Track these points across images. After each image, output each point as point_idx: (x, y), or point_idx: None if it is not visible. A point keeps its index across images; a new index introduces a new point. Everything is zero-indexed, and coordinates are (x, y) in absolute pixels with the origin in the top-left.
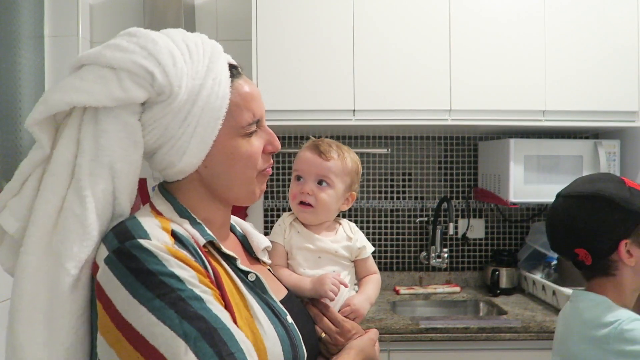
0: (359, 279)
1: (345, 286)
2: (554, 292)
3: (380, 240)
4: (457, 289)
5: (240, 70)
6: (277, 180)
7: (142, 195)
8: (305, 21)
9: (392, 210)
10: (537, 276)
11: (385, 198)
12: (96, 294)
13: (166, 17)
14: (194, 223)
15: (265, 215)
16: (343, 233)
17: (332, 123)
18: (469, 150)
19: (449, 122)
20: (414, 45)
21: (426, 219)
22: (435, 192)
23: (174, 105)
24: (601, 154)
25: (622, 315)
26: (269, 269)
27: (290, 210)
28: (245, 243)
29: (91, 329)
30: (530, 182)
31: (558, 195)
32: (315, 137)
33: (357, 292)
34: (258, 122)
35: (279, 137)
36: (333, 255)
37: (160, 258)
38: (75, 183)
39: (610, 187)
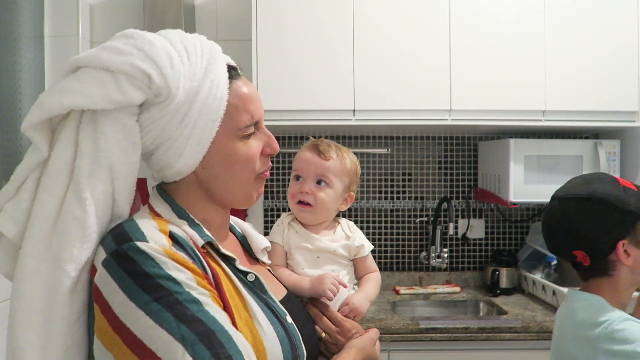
0: (359, 277)
1: (345, 286)
2: (554, 292)
3: (380, 240)
4: (457, 289)
5: (239, 71)
6: (277, 180)
7: (143, 195)
8: (305, 21)
9: (392, 210)
10: (537, 276)
11: (385, 198)
12: (94, 297)
13: (166, 17)
14: (192, 224)
15: (265, 216)
16: (341, 232)
17: (332, 123)
18: (469, 150)
19: (449, 122)
20: (414, 45)
21: (426, 219)
22: (435, 192)
23: (171, 106)
24: (601, 154)
25: (614, 316)
26: (268, 269)
27: (290, 210)
28: (244, 243)
29: (88, 331)
30: (530, 182)
31: (553, 197)
32: (315, 137)
33: (356, 291)
34: (256, 124)
35: (278, 137)
36: (331, 254)
37: (158, 261)
38: (74, 185)
39: (606, 188)
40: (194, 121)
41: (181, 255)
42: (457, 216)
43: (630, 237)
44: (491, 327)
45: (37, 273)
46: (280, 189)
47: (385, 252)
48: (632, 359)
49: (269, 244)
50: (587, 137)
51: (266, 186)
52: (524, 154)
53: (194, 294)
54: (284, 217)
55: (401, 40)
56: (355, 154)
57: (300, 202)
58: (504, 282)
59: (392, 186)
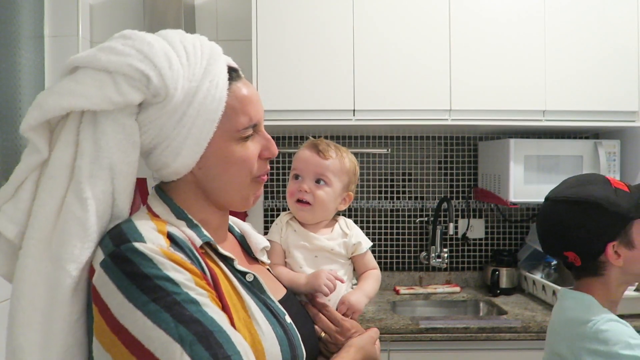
0: (359, 275)
1: (342, 282)
2: (554, 292)
3: (380, 240)
4: (457, 289)
5: (240, 73)
6: (277, 180)
7: (143, 195)
8: (305, 21)
9: (392, 210)
10: (537, 276)
11: (385, 198)
12: (92, 298)
13: (166, 17)
14: (190, 224)
15: (265, 215)
16: (339, 230)
17: (332, 123)
18: (469, 150)
19: (449, 122)
20: (414, 45)
21: (426, 219)
22: (435, 192)
23: (169, 106)
24: (601, 154)
25: (600, 316)
26: (268, 269)
27: (289, 210)
28: (243, 243)
29: (88, 332)
30: (530, 182)
31: (546, 198)
32: (314, 137)
33: (353, 288)
34: (255, 127)
35: (278, 137)
36: (329, 253)
37: (156, 261)
38: (75, 185)
39: (597, 191)
40: (192, 121)
41: (179, 255)
42: (457, 216)
43: (620, 238)
44: (491, 327)
45: (37, 273)
46: (280, 189)
47: (385, 252)
48: (610, 357)
49: (268, 244)
50: (587, 137)
51: (266, 186)
52: (524, 154)
53: (192, 294)
54: (283, 216)
55: (401, 40)
56: (355, 154)
57: (299, 201)
58: (504, 282)
59: (392, 186)
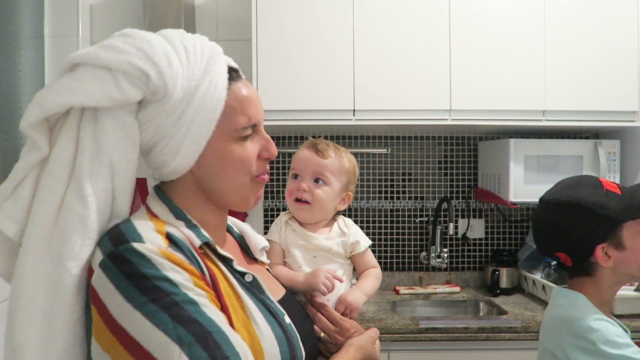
0: (359, 274)
1: (340, 281)
2: None
3: (380, 240)
4: (457, 289)
5: (240, 73)
6: (277, 180)
7: (143, 195)
8: (305, 21)
9: (392, 210)
10: (537, 276)
11: (385, 198)
12: (91, 298)
13: (166, 17)
14: (189, 225)
15: (265, 216)
16: (338, 229)
17: (332, 123)
18: (469, 150)
19: (449, 122)
20: (414, 45)
21: (426, 219)
22: (435, 192)
23: (168, 105)
24: (601, 154)
25: (589, 315)
26: (267, 269)
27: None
28: (242, 244)
29: (87, 332)
30: (530, 182)
31: (540, 200)
32: (314, 137)
33: (352, 287)
34: (254, 127)
35: (278, 137)
36: (327, 252)
37: (154, 262)
38: (76, 182)
39: (588, 194)
40: (191, 120)
41: (178, 256)
42: (457, 216)
43: (610, 240)
44: (491, 327)
45: (37, 271)
46: (280, 189)
47: (385, 252)
48: (600, 358)
49: (267, 244)
50: (587, 137)
51: (266, 186)
52: (524, 154)
53: (191, 294)
54: (282, 216)
55: (401, 40)
56: (355, 154)
57: (298, 200)
58: (504, 282)
59: (392, 186)
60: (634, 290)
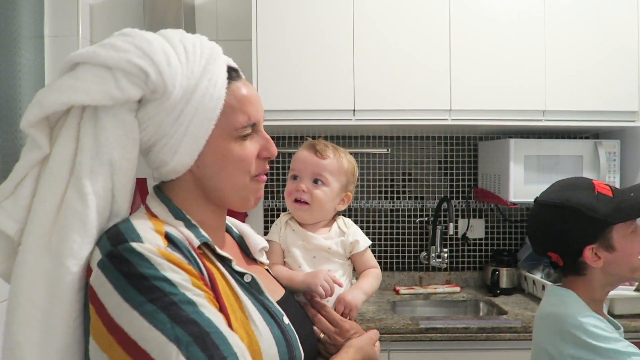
0: (358, 274)
1: (340, 285)
2: None
3: (380, 240)
4: (457, 289)
5: (240, 73)
6: (277, 180)
7: (143, 195)
8: (305, 21)
9: (392, 210)
10: (537, 276)
11: (385, 198)
12: (89, 298)
13: (166, 17)
14: (188, 225)
15: (265, 216)
16: (337, 229)
17: (332, 123)
18: (469, 150)
19: (449, 122)
20: (414, 45)
21: (426, 219)
22: (435, 192)
23: (167, 103)
24: (601, 154)
25: (580, 311)
26: (267, 270)
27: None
28: (242, 244)
29: (85, 332)
30: (530, 182)
31: (534, 200)
32: (313, 138)
33: (351, 287)
34: (254, 126)
35: (278, 137)
36: (327, 252)
37: (153, 262)
38: (75, 180)
39: (578, 196)
40: (190, 119)
41: (176, 256)
42: (457, 216)
43: (599, 242)
44: (491, 327)
45: (37, 269)
46: (280, 189)
47: (385, 252)
48: (593, 352)
49: (266, 244)
50: (587, 137)
51: (266, 186)
52: (524, 154)
53: (189, 295)
54: (282, 216)
55: (401, 40)
56: (355, 154)
57: (297, 201)
58: (504, 282)
59: (392, 186)
60: (634, 290)
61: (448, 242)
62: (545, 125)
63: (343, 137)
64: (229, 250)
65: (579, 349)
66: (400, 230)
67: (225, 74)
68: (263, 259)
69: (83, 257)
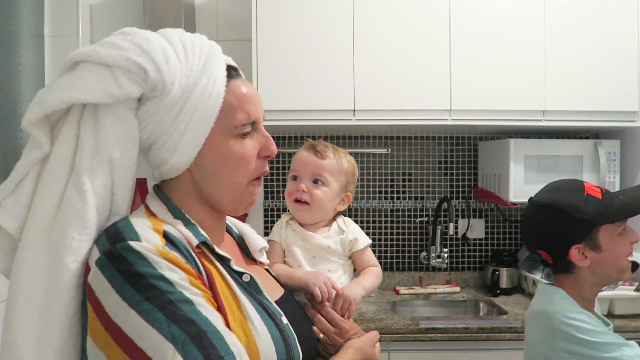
0: (359, 273)
1: (338, 292)
2: None
3: (380, 240)
4: (457, 289)
5: (240, 72)
6: (277, 180)
7: (143, 195)
8: (305, 21)
9: (392, 210)
10: (537, 276)
11: (385, 198)
12: (87, 296)
13: (166, 17)
14: (187, 224)
15: (265, 216)
16: (336, 228)
17: (332, 123)
18: (469, 150)
19: (449, 122)
20: (414, 45)
21: (426, 219)
22: (435, 192)
23: (166, 101)
24: (601, 154)
25: (568, 307)
26: (267, 270)
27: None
28: (242, 244)
29: (82, 330)
30: (530, 182)
31: (528, 200)
32: (313, 138)
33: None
34: (254, 124)
35: (278, 137)
36: (326, 251)
37: (150, 260)
38: (75, 178)
39: (567, 197)
40: (189, 117)
41: (174, 255)
42: (457, 216)
43: (586, 241)
44: (491, 327)
45: (36, 266)
46: (280, 189)
47: (385, 252)
48: (585, 347)
49: (266, 244)
50: (587, 137)
51: (266, 186)
52: (524, 154)
53: (187, 294)
54: (283, 217)
55: (401, 40)
56: (355, 154)
57: (297, 201)
58: (504, 282)
59: (392, 186)
60: (634, 290)
61: (448, 242)
62: (545, 125)
63: (343, 137)
64: (228, 250)
65: (571, 344)
66: (400, 230)
67: (224, 72)
68: (263, 259)
69: (82, 255)
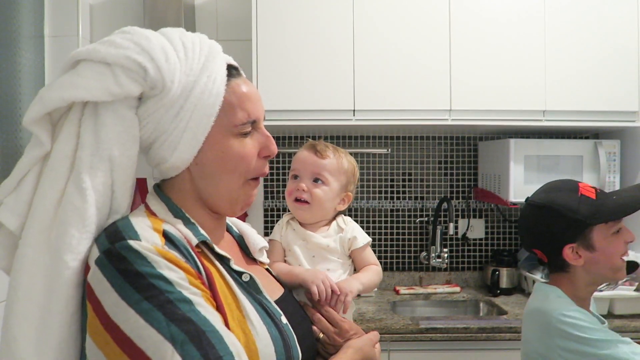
0: (358, 271)
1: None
2: None
3: (380, 240)
4: (457, 289)
5: (240, 71)
6: (277, 180)
7: (143, 195)
8: (305, 21)
9: (392, 210)
10: (537, 276)
11: (385, 198)
12: (86, 295)
13: (166, 17)
14: (187, 223)
15: (265, 216)
16: (335, 227)
17: (332, 123)
18: (469, 150)
19: (449, 122)
20: (414, 45)
21: (426, 219)
22: (435, 192)
23: (166, 99)
24: (601, 154)
25: (563, 305)
26: (267, 269)
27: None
28: (242, 243)
29: (82, 329)
30: (530, 182)
31: (525, 200)
32: (313, 138)
33: None
34: (254, 124)
35: (278, 137)
36: (325, 250)
37: (150, 259)
38: (75, 176)
39: (561, 197)
40: (189, 115)
41: (174, 254)
42: (457, 216)
43: (579, 241)
44: (491, 327)
45: (36, 264)
46: (280, 189)
47: (385, 252)
48: (581, 343)
49: (266, 244)
50: (587, 137)
51: (266, 186)
52: (524, 154)
53: (186, 293)
54: (284, 217)
55: (401, 40)
56: (355, 154)
57: (297, 200)
58: (504, 282)
59: (392, 186)
60: (634, 290)
61: (448, 242)
62: (545, 125)
63: (343, 137)
64: (228, 250)
65: (567, 341)
66: (400, 230)
67: (224, 71)
68: (263, 258)
69: (81, 252)
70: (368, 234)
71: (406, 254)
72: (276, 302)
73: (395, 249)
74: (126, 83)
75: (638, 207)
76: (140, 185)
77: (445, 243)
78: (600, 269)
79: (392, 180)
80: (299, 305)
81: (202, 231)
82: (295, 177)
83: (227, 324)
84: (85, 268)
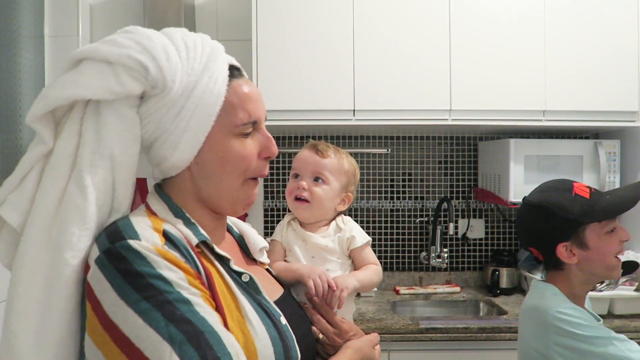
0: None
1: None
2: None
3: (380, 240)
4: (457, 289)
5: (243, 72)
6: (277, 180)
7: (143, 195)
8: (305, 21)
9: (392, 210)
10: (537, 276)
11: (385, 198)
12: (86, 295)
13: (166, 17)
14: (187, 223)
15: (265, 216)
16: (335, 226)
17: (332, 123)
18: (469, 150)
19: (449, 122)
20: (414, 45)
21: (426, 219)
22: (435, 192)
23: (167, 99)
24: (601, 154)
25: (559, 303)
26: (267, 270)
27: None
28: (242, 244)
29: (81, 327)
30: (530, 182)
31: (522, 199)
32: (314, 138)
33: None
34: (255, 124)
35: (279, 137)
36: (324, 250)
37: (149, 259)
38: (76, 174)
39: (554, 197)
40: (190, 114)
41: (173, 254)
42: (457, 216)
43: (573, 240)
44: (491, 327)
45: (37, 261)
46: (280, 189)
47: (385, 252)
48: (577, 340)
49: (266, 244)
50: (587, 137)
51: (266, 186)
52: (524, 154)
53: (185, 293)
54: (286, 217)
55: (401, 40)
56: (355, 154)
57: (298, 199)
58: (504, 282)
59: (392, 186)
60: (634, 290)
61: (448, 242)
62: (545, 125)
63: (343, 137)
64: (228, 250)
65: (563, 338)
66: (400, 230)
67: (226, 72)
68: (263, 258)
69: (82, 250)
70: (368, 234)
71: (406, 254)
72: (276, 302)
73: (395, 249)
74: (127, 82)
75: (629, 207)
76: (141, 185)
77: (445, 243)
78: (594, 267)
79: (392, 180)
80: (299, 306)
81: (202, 231)
82: (296, 176)
83: (226, 325)
84: (86, 267)
